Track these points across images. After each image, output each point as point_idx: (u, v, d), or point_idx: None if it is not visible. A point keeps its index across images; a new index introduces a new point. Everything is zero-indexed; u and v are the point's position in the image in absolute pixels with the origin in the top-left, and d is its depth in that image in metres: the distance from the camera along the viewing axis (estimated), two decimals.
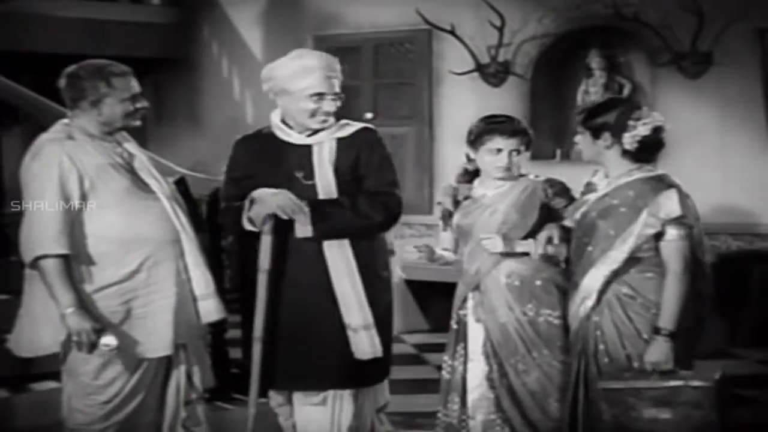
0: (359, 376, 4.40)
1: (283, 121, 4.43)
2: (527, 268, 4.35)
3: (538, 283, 4.35)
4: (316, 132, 4.39)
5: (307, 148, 4.37)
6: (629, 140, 4.14)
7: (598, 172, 4.33)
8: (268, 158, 4.39)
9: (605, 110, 4.23)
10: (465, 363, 4.44)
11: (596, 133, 4.19)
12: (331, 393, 4.40)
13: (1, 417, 5.14)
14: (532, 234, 4.33)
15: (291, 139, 4.39)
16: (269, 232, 4.28)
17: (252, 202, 4.29)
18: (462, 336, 4.46)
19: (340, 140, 4.40)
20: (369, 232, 4.41)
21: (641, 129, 4.13)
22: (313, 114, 4.33)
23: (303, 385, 4.41)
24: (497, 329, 4.36)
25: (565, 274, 4.36)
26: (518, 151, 4.36)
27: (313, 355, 4.35)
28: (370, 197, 4.35)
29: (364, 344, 4.33)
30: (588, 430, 4.19)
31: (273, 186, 4.30)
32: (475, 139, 4.40)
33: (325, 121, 4.36)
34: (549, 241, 4.25)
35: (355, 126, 4.46)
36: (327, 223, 4.28)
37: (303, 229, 4.28)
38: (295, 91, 4.31)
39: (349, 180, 4.37)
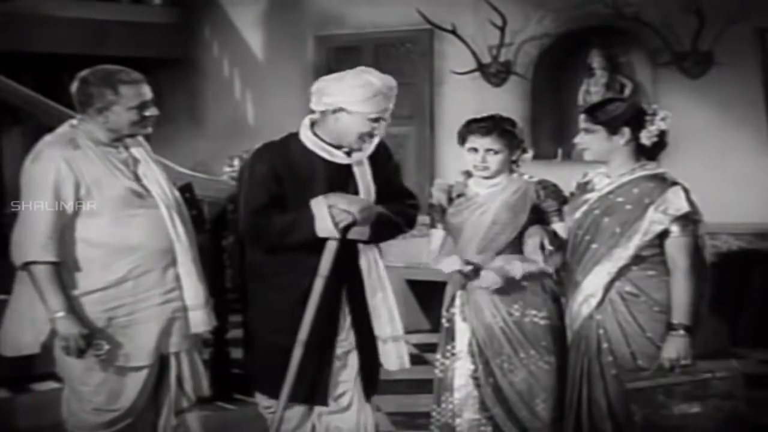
0: (377, 383, 4.47)
1: (315, 135, 4.33)
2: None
3: (524, 283, 4.35)
4: (350, 151, 4.34)
5: (347, 168, 4.33)
6: (647, 135, 4.16)
7: (588, 174, 4.35)
8: (308, 176, 4.29)
9: (622, 106, 4.24)
10: (453, 362, 4.45)
11: (614, 129, 4.19)
12: (356, 400, 4.40)
13: (2, 417, 5.13)
14: (521, 234, 4.34)
15: (334, 159, 4.32)
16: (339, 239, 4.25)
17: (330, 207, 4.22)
18: (451, 335, 4.47)
19: (369, 158, 4.40)
20: (395, 238, 4.48)
21: (660, 124, 4.16)
22: (363, 137, 4.27)
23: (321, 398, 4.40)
24: (482, 329, 4.37)
25: (551, 275, 4.38)
26: (494, 151, 4.35)
27: (332, 367, 4.35)
28: (405, 206, 4.41)
29: (392, 355, 4.39)
30: (591, 430, 4.20)
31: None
32: (459, 139, 4.44)
33: (369, 143, 4.33)
34: (541, 247, 4.25)
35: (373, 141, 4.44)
36: (382, 231, 4.32)
37: (360, 232, 4.27)
38: (355, 113, 4.22)
39: (378, 194, 4.38)
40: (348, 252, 4.29)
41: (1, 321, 4.23)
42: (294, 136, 4.36)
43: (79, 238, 4.07)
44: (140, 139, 4.28)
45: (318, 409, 4.41)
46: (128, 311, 4.11)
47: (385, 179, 4.42)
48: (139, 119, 4.14)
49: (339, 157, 4.32)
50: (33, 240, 3.98)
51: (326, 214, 4.19)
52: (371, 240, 4.32)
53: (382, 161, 4.45)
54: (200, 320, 4.26)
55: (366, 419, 4.43)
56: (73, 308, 4.01)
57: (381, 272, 4.39)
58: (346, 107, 4.21)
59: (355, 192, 4.32)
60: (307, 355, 4.26)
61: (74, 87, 4.15)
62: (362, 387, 4.39)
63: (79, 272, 4.07)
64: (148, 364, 4.17)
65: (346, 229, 4.23)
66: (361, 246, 4.34)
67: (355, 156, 4.34)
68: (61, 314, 3.97)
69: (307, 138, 4.32)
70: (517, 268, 4.31)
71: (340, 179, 4.31)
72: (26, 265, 4.01)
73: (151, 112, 4.17)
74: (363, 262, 4.35)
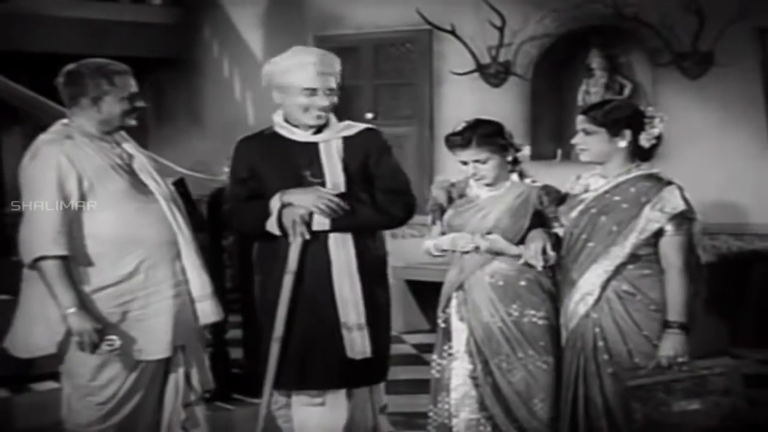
0: (359, 375, 4.43)
1: (286, 120, 4.44)
2: (511, 268, 4.34)
3: (523, 283, 4.34)
4: (320, 130, 4.39)
5: (314, 147, 4.38)
6: (647, 138, 4.18)
7: (580, 178, 4.35)
8: (274, 158, 4.39)
9: (623, 107, 4.25)
10: (450, 362, 4.45)
11: (616, 131, 4.19)
12: (330, 393, 4.41)
13: (1, 417, 5.13)
14: (522, 238, 4.32)
15: (296, 137, 4.40)
16: (302, 234, 4.29)
17: (284, 205, 4.28)
18: (448, 335, 4.47)
19: (346, 139, 4.42)
20: (383, 228, 4.50)
21: (660, 126, 4.18)
22: (306, 109, 4.34)
23: (307, 384, 4.41)
24: (480, 328, 4.36)
25: (549, 275, 4.37)
26: (481, 160, 4.33)
27: (317, 354, 4.36)
28: (390, 195, 4.40)
29: (357, 344, 4.37)
30: (588, 428, 4.21)
31: (281, 186, 4.32)
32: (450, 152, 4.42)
33: (319, 117, 4.37)
34: (543, 251, 4.25)
35: (359, 126, 4.49)
36: (346, 217, 4.31)
37: (320, 222, 4.30)
38: (288, 87, 4.35)
39: (358, 179, 4.39)
40: (318, 242, 4.33)
41: (1, 320, 4.23)
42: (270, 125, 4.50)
43: (87, 234, 4.09)
44: (125, 134, 4.30)
45: (296, 401, 4.43)
46: (142, 305, 4.13)
47: (363, 162, 4.43)
48: (130, 109, 4.20)
49: (300, 135, 4.39)
50: (42, 235, 4.00)
51: (275, 214, 4.29)
52: (333, 229, 4.33)
53: (364, 144, 4.45)
54: (209, 311, 4.30)
55: (336, 412, 4.42)
56: (85, 303, 4.02)
57: (348, 258, 4.37)
58: (281, 83, 4.36)
59: (319, 171, 4.34)
60: (300, 342, 4.31)
61: (62, 81, 4.19)
62: (338, 378, 4.39)
63: (90, 268, 4.09)
64: (164, 357, 4.18)
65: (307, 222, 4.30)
66: (332, 234, 4.35)
67: (322, 135, 4.38)
68: (72, 310, 3.99)
69: (276, 122, 4.44)
70: (516, 250, 4.31)
71: (305, 158, 4.36)
72: (36, 262, 4.01)
73: (139, 103, 4.24)
74: (332, 249, 4.36)
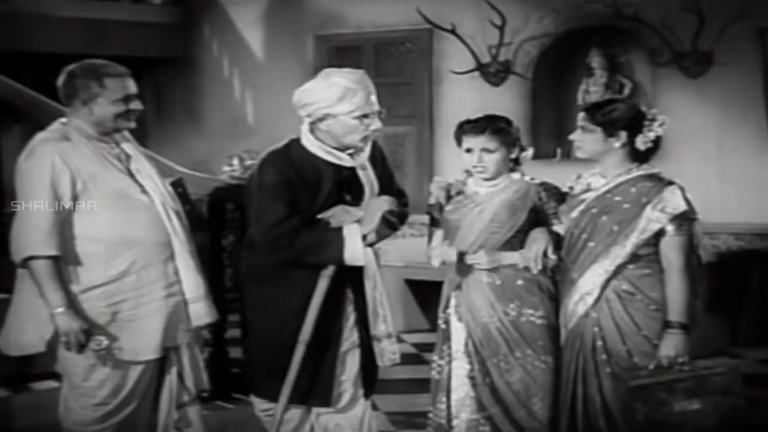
0: (375, 381, 4.46)
1: (318, 139, 4.28)
2: (509, 267, 4.35)
3: (520, 282, 4.34)
4: (354, 152, 4.32)
5: (351, 170, 4.31)
6: (643, 140, 4.18)
7: (581, 177, 4.35)
8: (315, 181, 4.24)
9: (623, 108, 4.24)
10: (450, 362, 4.45)
11: (612, 132, 4.19)
12: (358, 399, 4.39)
13: (1, 416, 5.13)
14: (518, 233, 4.32)
15: (342, 162, 4.29)
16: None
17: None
18: (447, 336, 4.47)
19: (368, 159, 4.40)
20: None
21: (658, 130, 4.17)
22: (361, 136, 4.24)
23: (319, 400, 4.36)
24: (479, 328, 4.36)
25: (549, 274, 4.36)
26: (489, 150, 4.33)
27: (335, 367, 4.33)
28: (401, 206, 4.39)
29: (387, 352, 4.39)
30: (587, 427, 4.21)
31: (315, 209, 4.23)
32: (456, 140, 4.42)
33: (367, 138, 4.28)
34: (544, 254, 4.25)
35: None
36: (384, 231, 4.30)
37: (371, 236, 4.28)
38: (338, 115, 4.20)
39: (381, 194, 4.39)
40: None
41: (1, 320, 4.23)
42: (296, 142, 4.33)
43: (78, 234, 4.07)
44: (127, 134, 4.29)
45: (316, 409, 4.40)
46: (133, 305, 4.12)
47: (384, 180, 4.42)
48: (123, 112, 4.16)
49: (346, 160, 4.29)
50: (33, 235, 3.99)
51: (359, 245, 4.19)
52: (376, 243, 4.32)
53: (380, 163, 4.44)
54: (201, 312, 4.28)
55: (367, 417, 4.43)
56: (73, 303, 4.01)
57: (377, 270, 4.38)
58: (328, 112, 4.20)
59: (360, 193, 4.32)
60: (309, 355, 4.25)
61: (61, 80, 4.18)
62: (362, 385, 4.38)
63: (80, 268, 4.07)
64: (154, 358, 4.17)
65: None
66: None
67: (359, 158, 4.33)
68: (60, 310, 3.98)
69: (310, 143, 4.28)
70: (512, 258, 4.31)
71: (347, 182, 4.30)
72: (26, 261, 4.01)
73: (135, 105, 4.20)
74: (366, 265, 4.33)
